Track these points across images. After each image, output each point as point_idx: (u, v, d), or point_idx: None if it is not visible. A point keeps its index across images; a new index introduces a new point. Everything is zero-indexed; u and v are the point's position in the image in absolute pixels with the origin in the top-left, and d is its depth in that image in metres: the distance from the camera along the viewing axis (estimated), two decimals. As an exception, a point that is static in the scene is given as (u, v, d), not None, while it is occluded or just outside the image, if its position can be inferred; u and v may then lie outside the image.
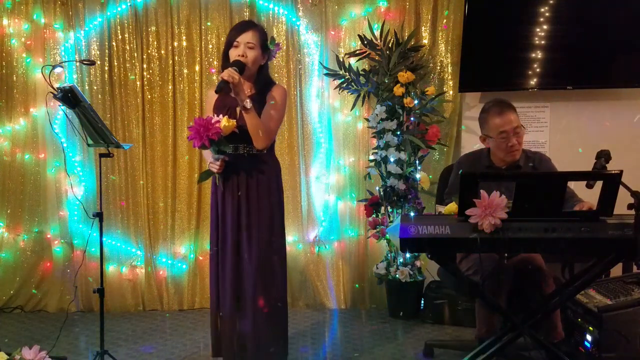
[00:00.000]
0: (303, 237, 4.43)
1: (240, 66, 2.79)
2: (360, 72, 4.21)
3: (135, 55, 4.34)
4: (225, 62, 2.90)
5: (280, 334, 3.03)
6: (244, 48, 2.86)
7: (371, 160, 4.26)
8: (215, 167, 2.85)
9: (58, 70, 4.17)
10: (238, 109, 2.86)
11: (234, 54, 2.87)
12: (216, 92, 2.74)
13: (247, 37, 2.87)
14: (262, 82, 2.95)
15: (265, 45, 2.94)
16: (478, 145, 3.34)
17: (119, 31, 4.34)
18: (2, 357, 2.46)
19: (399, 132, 4.07)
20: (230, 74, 2.70)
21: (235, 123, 2.79)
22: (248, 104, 2.75)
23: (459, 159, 3.44)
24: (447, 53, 4.32)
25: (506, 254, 2.96)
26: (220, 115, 2.79)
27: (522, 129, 3.02)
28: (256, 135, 2.83)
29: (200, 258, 4.44)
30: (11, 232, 4.46)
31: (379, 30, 4.20)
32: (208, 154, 2.98)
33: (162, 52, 4.36)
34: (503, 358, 2.83)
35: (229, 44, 2.91)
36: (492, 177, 2.89)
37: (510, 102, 3.09)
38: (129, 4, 4.32)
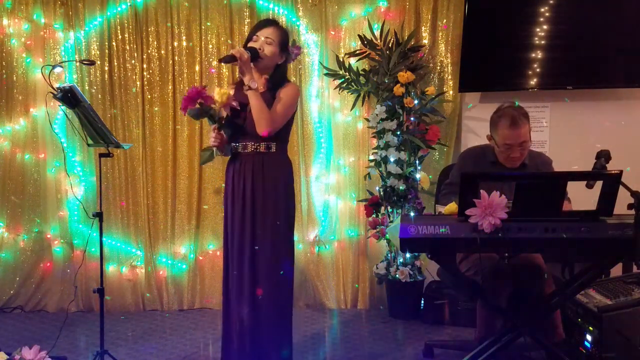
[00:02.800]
0: (303, 237, 4.43)
1: (254, 52, 2.79)
2: (360, 72, 4.21)
3: (135, 55, 4.35)
4: None
5: (284, 334, 2.96)
6: (262, 42, 2.84)
7: (371, 160, 4.26)
8: (211, 140, 2.83)
9: (58, 70, 4.16)
10: (248, 107, 2.82)
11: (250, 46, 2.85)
12: (219, 61, 2.81)
13: (266, 32, 2.85)
14: (276, 80, 2.90)
15: (285, 45, 2.91)
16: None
17: (119, 31, 4.34)
18: (2, 357, 2.46)
19: (399, 132, 4.08)
20: (240, 50, 2.74)
21: (229, 92, 2.80)
22: (253, 83, 2.76)
23: (462, 152, 3.40)
24: (447, 53, 4.32)
25: (506, 254, 2.97)
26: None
27: (529, 142, 3.00)
28: (259, 118, 2.78)
29: (200, 258, 4.44)
30: (11, 232, 4.46)
31: (379, 30, 4.20)
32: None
33: (162, 52, 4.36)
34: (503, 358, 2.83)
35: (249, 39, 2.89)
36: (492, 177, 2.89)
37: (525, 112, 3.02)
38: (129, 4, 4.32)
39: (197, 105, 2.73)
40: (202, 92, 2.74)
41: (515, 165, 3.05)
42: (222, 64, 2.84)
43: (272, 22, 2.94)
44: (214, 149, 2.86)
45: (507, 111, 3.01)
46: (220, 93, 2.77)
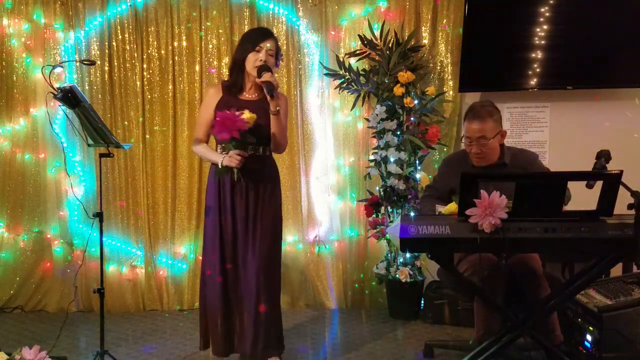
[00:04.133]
0: (303, 237, 4.43)
1: (270, 71, 2.92)
2: (360, 72, 4.21)
3: (135, 55, 4.35)
4: (242, 64, 2.99)
5: (276, 331, 3.09)
6: (266, 54, 2.96)
7: (371, 160, 4.26)
8: (234, 162, 2.84)
9: (58, 70, 4.17)
10: (247, 111, 2.91)
11: (254, 58, 2.95)
12: (272, 97, 2.86)
13: (268, 44, 2.98)
14: None
15: (277, 56, 3.05)
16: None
17: (119, 31, 4.34)
18: (2, 357, 2.46)
19: (399, 132, 4.08)
20: (273, 77, 2.90)
21: (255, 116, 2.84)
22: (279, 107, 2.92)
23: (445, 157, 3.48)
24: (447, 53, 4.32)
25: (504, 254, 2.96)
26: (235, 110, 2.85)
27: (490, 141, 2.98)
28: (281, 139, 2.98)
29: (200, 258, 4.43)
30: (11, 232, 4.46)
31: (379, 30, 4.20)
32: (211, 154, 3.02)
33: (162, 52, 4.36)
34: (503, 358, 2.82)
35: (249, 48, 2.97)
36: (492, 177, 2.90)
37: (491, 109, 3.03)
38: (129, 4, 4.32)
39: (241, 132, 2.78)
40: (241, 119, 2.77)
41: (481, 164, 3.04)
42: (273, 98, 2.88)
43: (271, 34, 3.08)
44: (235, 170, 2.88)
45: (474, 105, 3.08)
46: (249, 118, 2.82)
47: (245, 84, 3.04)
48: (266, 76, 2.87)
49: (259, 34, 3.06)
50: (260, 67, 2.91)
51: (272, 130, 2.94)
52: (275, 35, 3.23)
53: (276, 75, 4.20)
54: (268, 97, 2.88)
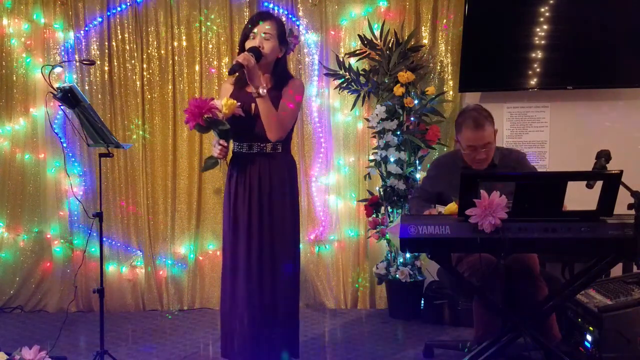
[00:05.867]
0: (303, 237, 4.42)
1: (256, 53, 2.70)
2: (360, 72, 4.21)
3: (135, 55, 4.35)
4: (241, 53, 2.79)
5: (292, 334, 2.94)
6: (261, 39, 2.76)
7: (371, 160, 4.26)
8: (215, 152, 2.73)
9: (58, 70, 4.17)
10: (253, 106, 2.77)
11: (249, 45, 2.77)
12: (229, 73, 2.70)
13: (263, 28, 2.77)
14: (280, 76, 2.85)
15: (283, 37, 2.83)
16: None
17: (119, 31, 4.34)
18: (2, 357, 2.46)
19: (399, 132, 4.08)
20: (245, 57, 2.64)
21: (236, 102, 2.68)
22: (262, 90, 2.68)
23: (434, 160, 3.47)
24: (447, 53, 4.32)
25: (502, 254, 2.96)
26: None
27: (493, 143, 3.00)
28: (269, 124, 2.72)
29: (200, 258, 4.44)
30: (11, 232, 4.46)
31: (379, 30, 4.20)
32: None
33: (162, 52, 4.36)
34: (503, 358, 2.82)
35: (245, 36, 2.80)
36: (492, 177, 2.90)
37: (486, 113, 3.03)
38: (128, 4, 4.32)
39: (205, 118, 2.61)
40: (209, 104, 2.60)
41: (482, 167, 3.04)
42: (231, 75, 2.72)
43: (267, 16, 2.86)
44: (220, 161, 2.76)
45: (470, 113, 3.04)
46: (227, 105, 2.65)
47: None
48: (239, 56, 2.67)
49: (253, 19, 2.86)
50: (249, 49, 2.72)
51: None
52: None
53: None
54: (247, 78, 2.70)
